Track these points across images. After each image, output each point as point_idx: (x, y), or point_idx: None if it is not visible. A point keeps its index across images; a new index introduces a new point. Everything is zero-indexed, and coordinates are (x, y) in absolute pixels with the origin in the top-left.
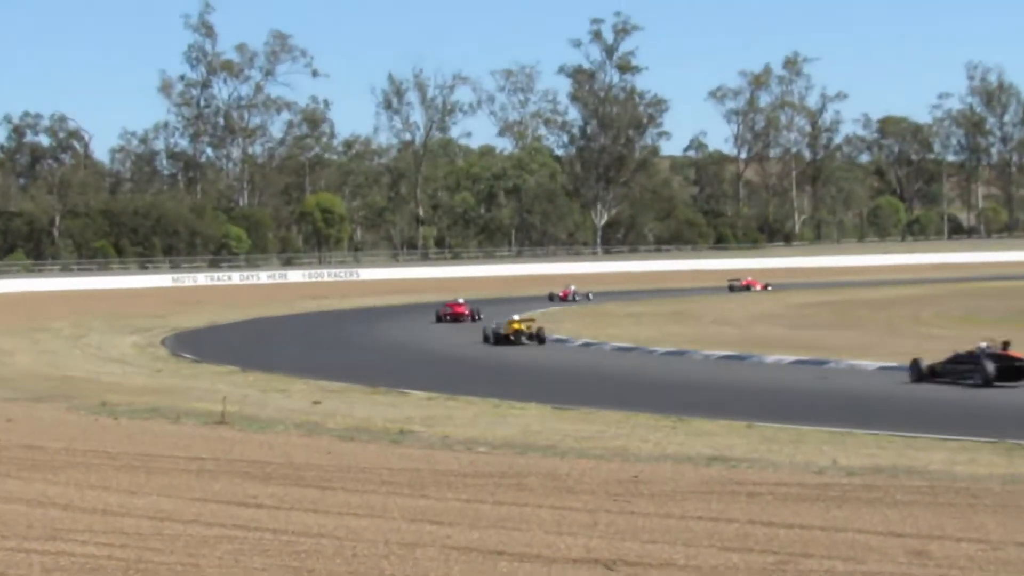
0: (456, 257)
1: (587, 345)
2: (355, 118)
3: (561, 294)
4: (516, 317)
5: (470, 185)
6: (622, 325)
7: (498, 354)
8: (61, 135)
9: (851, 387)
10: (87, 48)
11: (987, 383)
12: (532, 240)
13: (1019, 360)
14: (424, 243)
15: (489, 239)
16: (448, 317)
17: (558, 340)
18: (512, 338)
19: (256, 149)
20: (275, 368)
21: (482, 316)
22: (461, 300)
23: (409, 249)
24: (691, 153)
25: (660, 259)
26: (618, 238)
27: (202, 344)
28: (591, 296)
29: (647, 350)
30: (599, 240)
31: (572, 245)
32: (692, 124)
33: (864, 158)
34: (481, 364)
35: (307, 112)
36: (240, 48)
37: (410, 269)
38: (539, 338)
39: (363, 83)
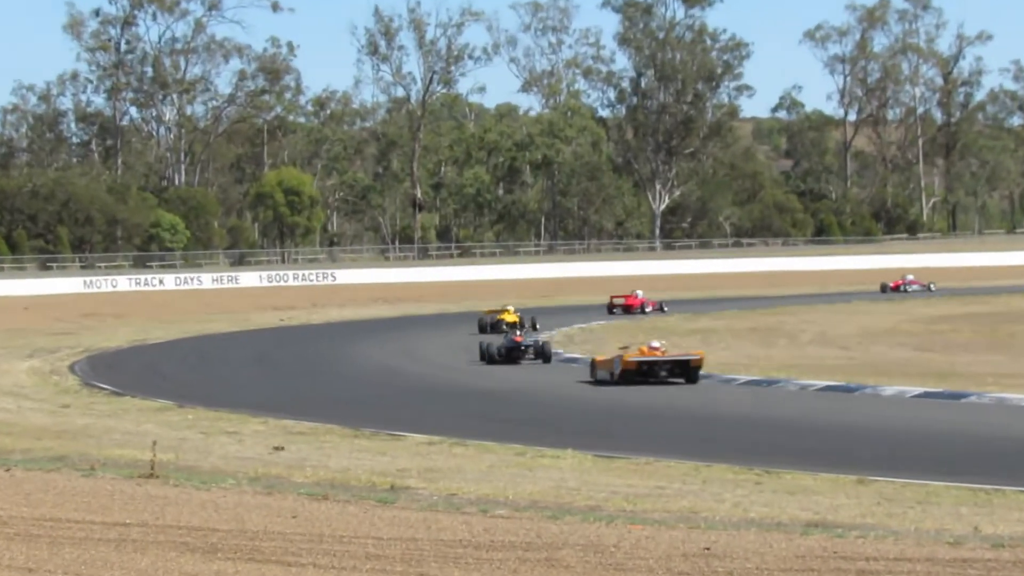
0: (466, 254)
1: None
2: (329, 68)
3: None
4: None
5: (484, 158)
6: (684, 345)
7: (518, 382)
8: None
9: (999, 429)
10: None
11: None
12: (568, 231)
13: None
14: (423, 235)
15: (510, 230)
16: (617, 310)
17: (569, 360)
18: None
19: (196, 109)
20: (223, 403)
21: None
22: (640, 293)
23: (403, 243)
24: (781, 115)
25: (740, 257)
26: (683, 228)
27: (124, 370)
28: (665, 307)
29: (721, 378)
30: (657, 231)
31: (622, 239)
32: (783, 76)
33: (1015, 121)
34: (498, 395)
35: (265, 60)
36: None
37: (404, 270)
38: (543, 355)
39: (340, 21)
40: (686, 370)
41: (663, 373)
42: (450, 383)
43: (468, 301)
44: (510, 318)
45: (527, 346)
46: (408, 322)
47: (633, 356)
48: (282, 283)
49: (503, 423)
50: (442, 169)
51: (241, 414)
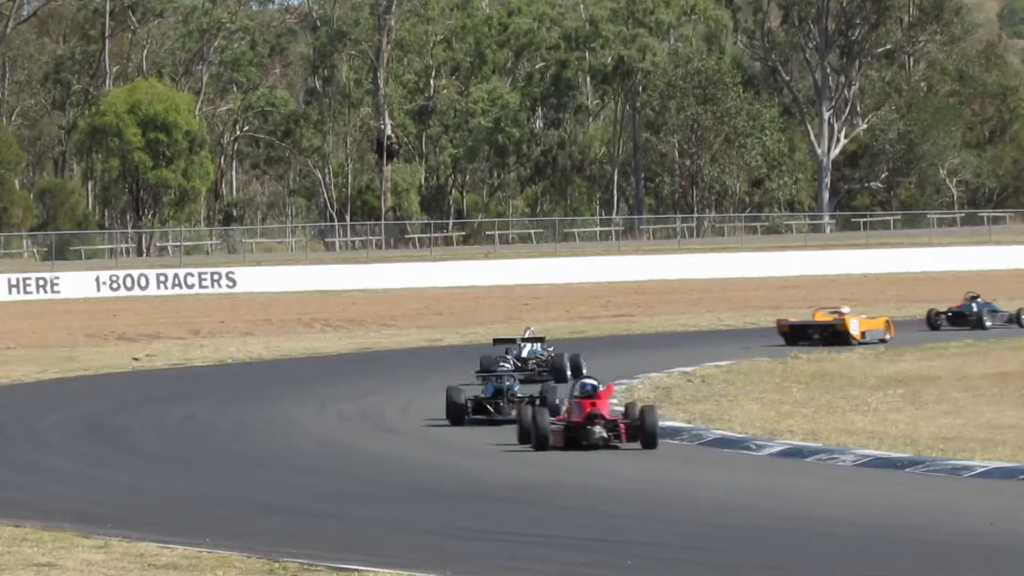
0: (474, 239)
1: (806, 454)
2: None
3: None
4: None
5: (509, 63)
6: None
7: (571, 468)
8: None
9: None
10: None
11: None
12: (662, 197)
13: None
14: (396, 206)
15: (556, 195)
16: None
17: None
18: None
19: None
20: (31, 510)
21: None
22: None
23: (358, 220)
24: None
25: (977, 242)
26: (872, 191)
27: None
28: (887, 336)
29: (950, 465)
30: (825, 196)
31: (761, 209)
32: None
33: None
34: (535, 493)
35: None
36: None
37: (361, 269)
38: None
39: None
40: None
41: None
42: (444, 472)
43: (481, 324)
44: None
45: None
46: (370, 362)
47: None
48: (138, 291)
49: (537, 546)
50: (430, 84)
51: (63, 531)
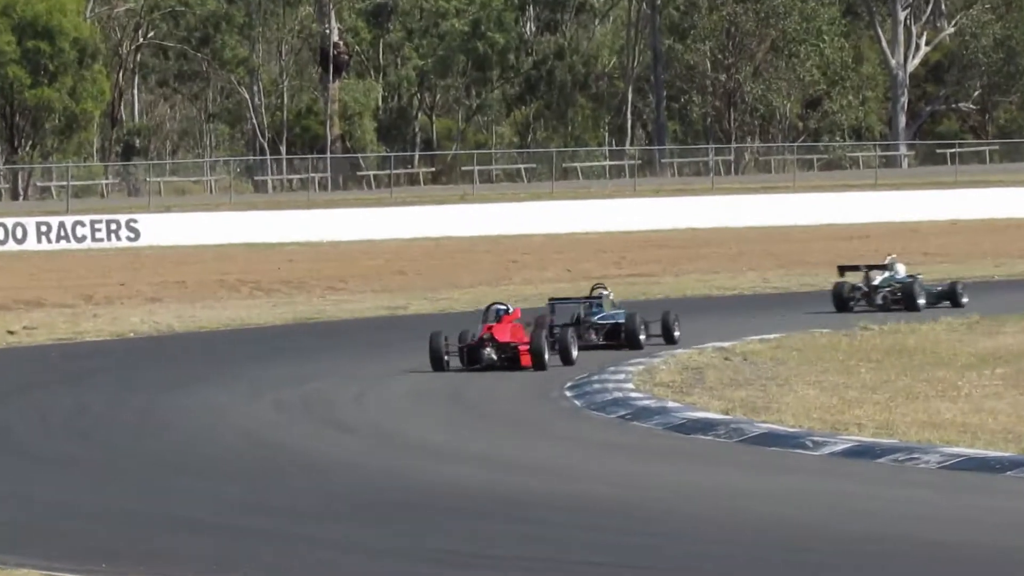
0: (445, 177)
1: (856, 451)
2: None
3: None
4: None
5: None
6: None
7: (548, 464)
8: None
9: None
10: None
11: None
12: (690, 122)
13: None
14: (346, 136)
15: (555, 121)
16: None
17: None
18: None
19: None
20: None
21: None
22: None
23: (297, 154)
24: None
25: None
26: (960, 112)
27: None
28: (963, 295)
29: None
30: (901, 120)
31: (818, 137)
32: None
33: None
34: (525, 504)
35: None
36: None
37: (299, 216)
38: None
39: None
40: None
41: None
42: (412, 479)
43: (458, 288)
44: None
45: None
46: (313, 337)
47: None
48: (13, 245)
49: (532, 573)
50: None
51: None
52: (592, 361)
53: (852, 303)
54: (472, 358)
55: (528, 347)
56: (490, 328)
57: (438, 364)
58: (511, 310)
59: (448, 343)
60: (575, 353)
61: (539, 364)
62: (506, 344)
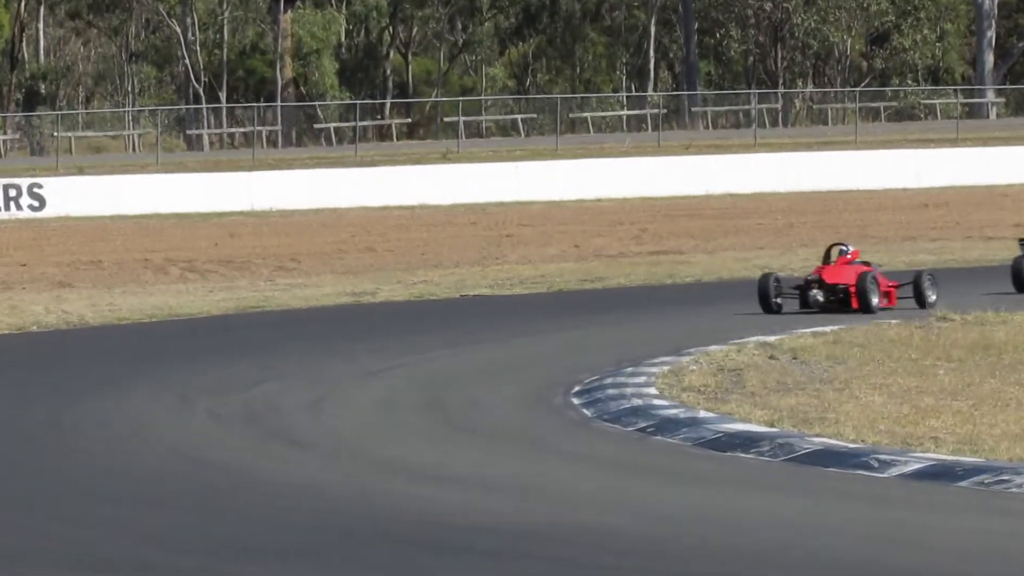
0: (417, 132)
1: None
2: None
3: None
4: None
5: None
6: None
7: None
8: None
9: None
10: None
11: None
12: (727, 60)
13: None
14: (297, 82)
15: (556, 61)
16: None
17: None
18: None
19: None
20: None
21: None
22: None
23: (239, 103)
24: None
25: None
26: None
27: None
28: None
29: None
30: (986, 62)
31: (881, 84)
32: None
33: None
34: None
35: None
36: None
37: (242, 181)
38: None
39: None
40: None
41: None
42: (383, 506)
43: (439, 267)
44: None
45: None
46: (259, 330)
47: None
48: None
49: None
50: None
51: None
52: (624, 352)
53: None
54: (800, 300)
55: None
56: (820, 269)
57: (767, 306)
58: (850, 251)
59: (780, 284)
60: (875, 300)
61: (865, 307)
62: (834, 286)
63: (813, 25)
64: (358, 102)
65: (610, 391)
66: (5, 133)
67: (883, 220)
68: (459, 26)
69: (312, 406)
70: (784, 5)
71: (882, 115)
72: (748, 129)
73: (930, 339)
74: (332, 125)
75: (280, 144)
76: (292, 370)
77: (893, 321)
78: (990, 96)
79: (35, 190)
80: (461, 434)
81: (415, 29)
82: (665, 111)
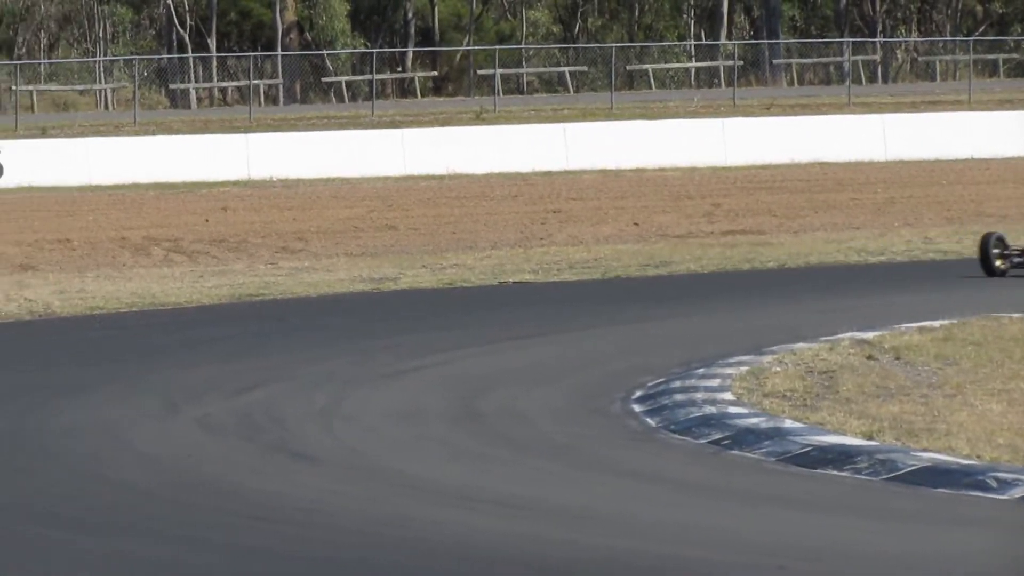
0: (445, 87)
1: None
2: None
3: None
4: None
5: None
6: None
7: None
8: None
9: None
10: None
11: None
12: (811, 8)
13: None
14: (302, 27)
15: (610, 5)
16: None
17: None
18: None
19: None
20: None
21: None
22: None
23: (236, 51)
24: None
25: None
26: None
27: None
28: None
29: None
30: None
31: (1000, 34)
32: None
33: None
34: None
35: None
36: None
37: (239, 144)
38: None
39: None
40: None
41: None
42: (406, 534)
43: (473, 249)
44: None
45: None
46: (258, 322)
47: None
48: None
49: None
50: None
51: None
52: (695, 351)
53: None
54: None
55: None
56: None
57: (989, 268)
58: None
59: (1004, 245)
60: None
61: None
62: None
63: None
64: (374, 51)
65: (678, 397)
66: None
67: (1001, 195)
68: None
69: (321, 414)
70: None
71: (1000, 70)
72: (841, 86)
73: None
74: (343, 79)
75: (281, 101)
76: (297, 371)
77: (1015, 315)
78: None
79: None
80: (500, 449)
81: None
82: (741, 63)
